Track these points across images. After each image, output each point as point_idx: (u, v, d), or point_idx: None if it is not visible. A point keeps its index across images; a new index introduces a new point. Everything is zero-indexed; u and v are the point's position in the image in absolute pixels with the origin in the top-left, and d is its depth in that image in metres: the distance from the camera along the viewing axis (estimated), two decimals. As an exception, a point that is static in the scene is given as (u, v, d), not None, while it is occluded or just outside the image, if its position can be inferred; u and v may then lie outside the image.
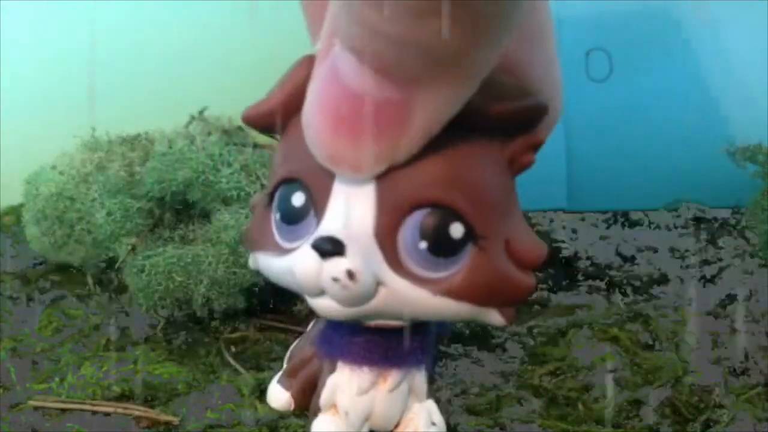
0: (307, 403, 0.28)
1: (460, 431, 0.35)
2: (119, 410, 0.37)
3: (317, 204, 0.23)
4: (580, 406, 0.37)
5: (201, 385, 0.39)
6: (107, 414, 0.37)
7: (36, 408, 0.37)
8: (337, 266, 0.21)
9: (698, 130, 0.59)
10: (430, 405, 0.27)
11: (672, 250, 0.54)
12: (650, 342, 0.43)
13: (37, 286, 0.50)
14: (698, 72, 0.60)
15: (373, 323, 0.24)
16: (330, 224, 0.22)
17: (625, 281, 0.50)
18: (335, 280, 0.21)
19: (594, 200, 0.61)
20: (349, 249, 0.21)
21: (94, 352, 0.42)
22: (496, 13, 0.18)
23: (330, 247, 0.21)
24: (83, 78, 0.63)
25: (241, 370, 0.40)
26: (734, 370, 0.40)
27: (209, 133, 0.48)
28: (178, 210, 0.48)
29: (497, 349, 0.42)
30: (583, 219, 0.59)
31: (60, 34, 0.64)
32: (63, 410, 0.37)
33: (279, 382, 0.29)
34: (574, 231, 0.58)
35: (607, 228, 0.58)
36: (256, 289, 0.43)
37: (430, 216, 0.22)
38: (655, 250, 0.54)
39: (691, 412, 0.37)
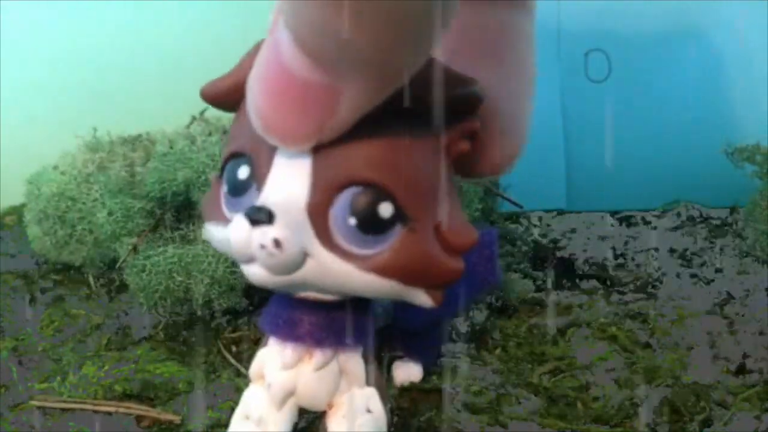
0: None
1: (460, 429, 0.36)
2: (121, 409, 0.37)
3: (259, 177, 0.23)
4: (579, 405, 0.37)
5: (202, 384, 0.39)
6: (108, 413, 0.37)
7: (37, 407, 0.37)
8: (265, 234, 0.22)
9: (696, 130, 0.60)
10: (370, 392, 0.27)
11: (670, 249, 0.54)
12: (649, 341, 0.43)
13: (39, 286, 0.50)
14: (697, 73, 0.61)
15: (302, 294, 0.25)
16: (265, 195, 0.23)
17: (623, 281, 0.50)
18: (262, 246, 0.23)
19: (593, 200, 0.61)
20: (279, 219, 0.23)
21: (96, 351, 0.43)
22: (411, 16, 0.19)
23: (260, 216, 0.23)
24: (85, 79, 0.64)
25: (242, 369, 0.40)
26: (732, 369, 0.40)
27: (210, 134, 0.49)
28: (179, 210, 0.48)
29: (497, 349, 0.42)
30: (582, 219, 0.60)
31: (61, 35, 0.64)
32: (64, 410, 0.37)
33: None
34: (573, 231, 0.58)
35: (606, 228, 0.58)
36: (256, 288, 0.43)
37: (362, 194, 0.23)
38: (654, 250, 0.54)
39: (690, 411, 0.37)
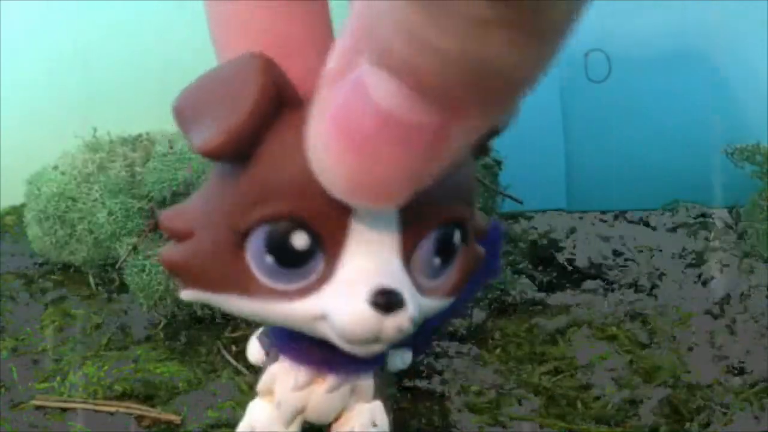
0: None
1: (460, 429, 0.36)
2: (121, 409, 0.37)
3: (327, 245, 0.21)
4: (580, 405, 0.37)
5: (202, 384, 0.39)
6: (109, 413, 0.37)
7: (38, 407, 0.37)
8: (403, 318, 0.21)
9: (696, 130, 0.60)
10: (376, 405, 0.27)
11: (670, 249, 0.54)
12: (649, 341, 0.43)
13: (39, 286, 0.50)
14: (696, 73, 0.61)
15: None
16: (379, 271, 0.21)
17: (623, 281, 0.50)
18: (401, 330, 0.21)
19: (593, 200, 0.61)
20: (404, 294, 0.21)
21: (96, 351, 0.43)
22: (562, 24, 0.16)
23: (397, 302, 0.21)
24: (85, 79, 0.64)
25: (242, 369, 0.40)
26: (732, 369, 0.40)
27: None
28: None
29: (497, 349, 0.42)
30: (582, 219, 0.60)
31: (62, 35, 0.64)
32: (64, 409, 0.37)
33: (258, 338, 0.29)
34: (573, 231, 0.58)
35: (606, 228, 0.58)
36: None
37: (445, 232, 0.22)
38: (654, 250, 0.54)
39: (690, 411, 0.37)
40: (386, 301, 0.20)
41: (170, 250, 0.23)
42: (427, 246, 0.22)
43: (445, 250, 0.22)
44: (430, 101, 0.17)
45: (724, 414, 0.37)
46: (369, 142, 0.18)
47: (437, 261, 0.22)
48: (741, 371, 0.40)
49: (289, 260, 0.21)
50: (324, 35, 0.23)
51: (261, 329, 0.29)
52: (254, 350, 0.29)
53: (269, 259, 0.21)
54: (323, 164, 0.19)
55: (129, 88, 0.63)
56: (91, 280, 0.50)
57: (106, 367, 0.41)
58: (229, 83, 0.21)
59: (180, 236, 0.22)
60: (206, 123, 0.20)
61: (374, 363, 0.26)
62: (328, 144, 0.18)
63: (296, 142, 0.20)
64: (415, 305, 0.21)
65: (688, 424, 0.36)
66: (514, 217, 0.58)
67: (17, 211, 0.58)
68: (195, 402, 0.38)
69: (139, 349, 0.43)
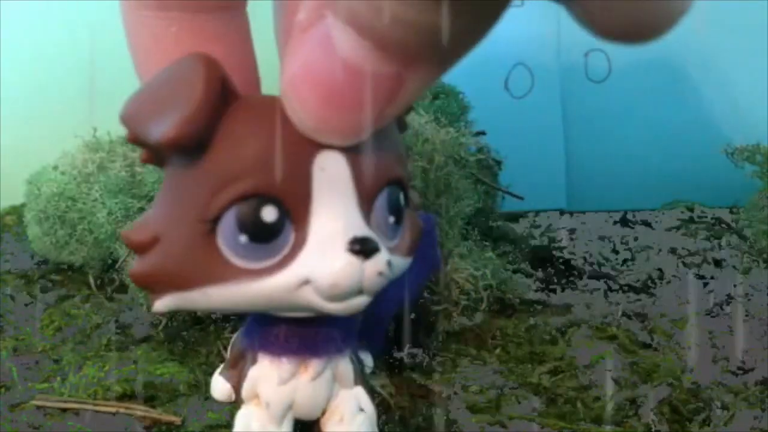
0: None
1: (460, 429, 0.36)
2: (121, 410, 0.37)
3: (295, 214, 0.22)
4: (579, 405, 0.37)
5: (202, 385, 0.39)
6: (109, 413, 0.37)
7: (37, 407, 0.37)
8: (380, 261, 0.22)
9: (696, 130, 0.60)
10: (358, 391, 0.27)
11: (670, 249, 0.54)
12: (649, 341, 0.43)
13: (39, 286, 0.50)
14: (696, 73, 0.61)
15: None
16: (348, 225, 0.22)
17: (623, 281, 0.50)
18: (380, 273, 0.23)
19: (593, 200, 0.61)
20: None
21: (96, 351, 0.42)
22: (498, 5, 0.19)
23: (374, 246, 0.22)
24: (85, 78, 0.64)
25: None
26: (732, 369, 0.40)
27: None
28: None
29: (497, 348, 0.42)
30: (582, 219, 0.60)
31: (61, 34, 0.64)
32: (64, 410, 0.37)
33: (221, 374, 0.29)
34: (573, 231, 0.58)
35: (606, 228, 0.58)
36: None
37: (392, 192, 0.24)
38: (654, 250, 0.54)
39: (690, 411, 0.37)
40: (363, 247, 0.22)
41: (138, 265, 0.24)
42: (380, 204, 0.24)
43: (394, 210, 0.24)
44: (389, 55, 0.20)
45: (724, 414, 0.37)
46: (336, 89, 0.20)
47: (392, 219, 0.24)
48: (741, 371, 0.40)
49: (262, 235, 0.22)
50: (240, 52, 0.27)
51: (222, 365, 0.29)
52: (219, 386, 0.29)
53: (243, 238, 0.22)
54: (296, 108, 0.21)
55: (129, 88, 0.63)
56: (91, 280, 0.50)
57: (106, 368, 0.40)
58: (176, 80, 0.22)
59: (145, 247, 0.23)
60: (161, 118, 0.22)
61: (350, 340, 0.27)
62: (299, 91, 0.21)
63: (248, 126, 0.22)
64: (386, 252, 0.23)
65: (688, 424, 0.36)
66: (514, 217, 0.58)
67: (17, 210, 0.58)
68: (195, 403, 0.38)
69: (140, 349, 0.43)
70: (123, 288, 0.47)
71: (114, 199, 0.48)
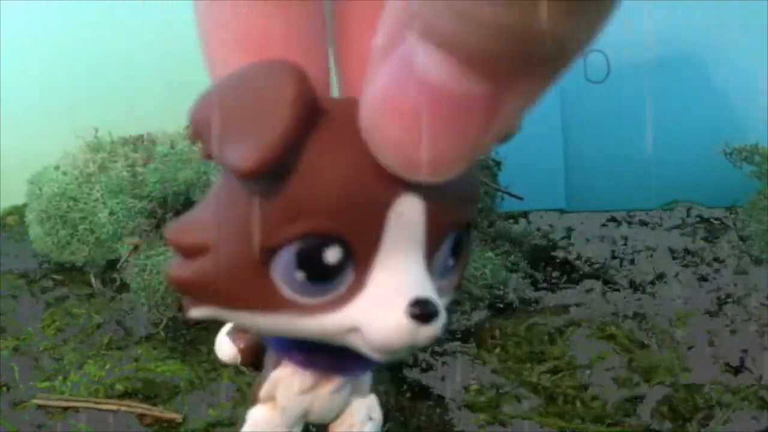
0: (252, 361, 0.28)
1: (460, 428, 0.36)
2: (122, 408, 0.37)
3: (360, 256, 0.20)
4: (578, 404, 0.38)
5: (203, 383, 0.39)
6: (110, 412, 0.37)
7: (39, 406, 0.38)
8: (437, 326, 0.21)
9: (695, 130, 0.60)
10: (371, 400, 0.27)
11: (670, 249, 0.54)
12: (647, 340, 0.43)
13: (40, 286, 0.50)
14: (696, 73, 0.61)
15: None
16: (411, 282, 0.21)
17: (622, 280, 0.50)
18: (434, 338, 0.21)
19: (592, 200, 0.61)
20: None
21: (97, 350, 0.43)
22: None
23: (432, 313, 0.20)
24: (86, 79, 0.64)
25: (242, 368, 0.40)
26: (731, 368, 0.40)
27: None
28: (180, 210, 0.48)
29: (497, 348, 0.42)
30: (581, 219, 0.60)
31: (63, 35, 0.65)
32: (66, 408, 0.37)
33: (228, 334, 0.28)
34: (572, 231, 0.58)
35: (605, 228, 0.59)
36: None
37: (460, 235, 0.22)
38: (653, 250, 0.54)
39: (689, 411, 0.37)
40: (424, 312, 0.20)
41: (179, 268, 0.21)
42: (445, 247, 0.22)
43: (457, 250, 0.22)
44: (479, 73, 0.17)
45: (724, 414, 0.37)
46: (422, 117, 0.17)
47: (451, 262, 0.22)
48: (740, 371, 0.40)
49: (319, 275, 0.20)
50: (311, 35, 0.23)
51: (229, 326, 0.29)
52: (225, 347, 0.28)
53: (300, 275, 0.20)
54: (379, 144, 0.19)
55: (130, 89, 0.63)
56: (92, 279, 0.50)
57: (107, 367, 0.41)
58: (260, 95, 0.19)
59: (191, 252, 0.21)
60: (239, 138, 0.19)
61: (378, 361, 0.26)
62: (379, 122, 0.18)
63: (326, 155, 0.19)
64: (443, 311, 0.21)
65: (687, 424, 0.36)
66: (513, 217, 0.58)
67: (19, 211, 0.58)
68: (196, 401, 0.38)
69: (140, 348, 0.43)
70: (124, 287, 0.47)
71: (115, 199, 0.48)
